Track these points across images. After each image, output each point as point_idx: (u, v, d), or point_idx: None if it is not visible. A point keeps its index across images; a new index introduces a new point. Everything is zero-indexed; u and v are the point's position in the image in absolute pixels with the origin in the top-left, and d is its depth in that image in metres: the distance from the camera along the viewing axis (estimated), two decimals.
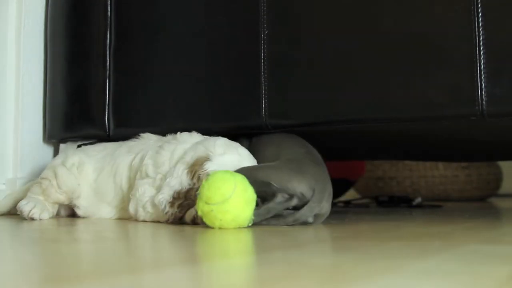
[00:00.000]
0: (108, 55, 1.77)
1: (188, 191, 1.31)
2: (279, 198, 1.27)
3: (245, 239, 1.04)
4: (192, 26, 1.64)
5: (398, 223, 1.35)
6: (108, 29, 1.78)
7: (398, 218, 1.43)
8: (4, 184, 1.80)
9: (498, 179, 3.43)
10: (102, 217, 1.52)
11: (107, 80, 1.76)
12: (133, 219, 1.44)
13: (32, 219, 1.46)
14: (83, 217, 1.54)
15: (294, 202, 1.26)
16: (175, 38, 1.66)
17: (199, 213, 1.17)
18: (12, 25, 1.88)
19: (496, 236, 1.09)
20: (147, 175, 1.42)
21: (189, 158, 1.36)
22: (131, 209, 1.41)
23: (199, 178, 1.31)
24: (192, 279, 0.62)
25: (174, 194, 1.32)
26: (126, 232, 1.20)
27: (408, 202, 2.34)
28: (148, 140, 1.54)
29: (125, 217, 1.49)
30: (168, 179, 1.35)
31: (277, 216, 1.27)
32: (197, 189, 1.26)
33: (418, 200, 2.37)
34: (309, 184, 1.27)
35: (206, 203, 1.15)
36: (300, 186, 1.26)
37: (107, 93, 1.76)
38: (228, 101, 1.56)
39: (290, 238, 1.04)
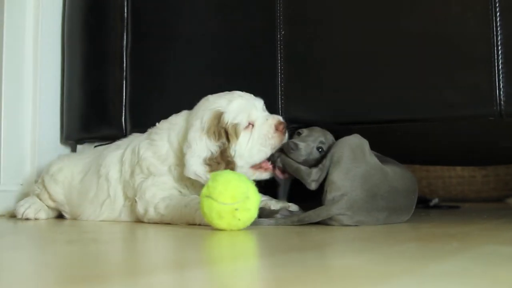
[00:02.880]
0: (124, 56, 1.78)
1: (222, 152, 1.33)
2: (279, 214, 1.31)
3: (261, 240, 1.04)
4: (208, 27, 1.64)
5: (416, 224, 1.34)
6: (125, 30, 1.78)
7: (415, 219, 1.42)
8: (21, 184, 1.81)
9: None
10: (89, 219, 1.50)
11: (124, 81, 1.77)
12: (133, 220, 1.43)
13: (27, 218, 1.53)
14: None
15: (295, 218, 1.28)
16: (191, 39, 1.66)
17: (213, 214, 1.12)
18: (29, 26, 1.89)
19: None
20: (148, 170, 1.41)
21: (199, 124, 1.36)
22: (141, 209, 1.39)
23: (226, 134, 1.34)
24: (207, 281, 0.62)
25: (205, 161, 1.33)
26: (137, 234, 1.21)
27: (425, 203, 2.33)
28: (136, 137, 1.54)
29: (111, 218, 1.47)
30: (188, 155, 1.34)
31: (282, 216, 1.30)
32: (227, 148, 1.33)
33: (436, 200, 2.36)
34: (344, 187, 1.26)
35: (223, 203, 1.11)
36: (338, 178, 1.27)
37: (124, 93, 1.77)
38: None
39: (307, 239, 1.04)
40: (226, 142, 1.34)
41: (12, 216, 1.62)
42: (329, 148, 1.34)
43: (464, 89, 1.31)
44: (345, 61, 1.44)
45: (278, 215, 1.30)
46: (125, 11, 1.79)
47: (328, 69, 1.46)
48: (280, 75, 1.50)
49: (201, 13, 1.66)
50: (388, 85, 1.39)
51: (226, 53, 1.60)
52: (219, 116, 1.36)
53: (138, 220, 1.41)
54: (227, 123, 1.35)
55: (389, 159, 1.42)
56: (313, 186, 1.31)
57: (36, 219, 1.53)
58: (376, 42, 1.41)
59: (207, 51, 1.64)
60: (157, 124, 1.49)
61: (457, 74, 1.32)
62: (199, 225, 1.26)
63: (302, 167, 1.32)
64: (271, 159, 1.38)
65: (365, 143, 1.33)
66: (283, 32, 1.51)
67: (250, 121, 1.37)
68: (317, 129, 1.39)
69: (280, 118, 1.40)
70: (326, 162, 1.30)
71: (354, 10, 1.44)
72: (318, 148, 1.35)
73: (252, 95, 1.42)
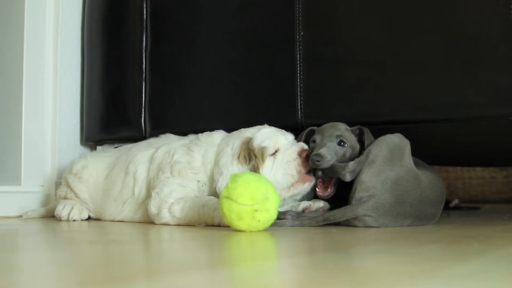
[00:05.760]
0: (144, 58, 1.79)
1: None
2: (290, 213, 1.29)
3: (282, 241, 1.04)
4: (227, 29, 1.64)
5: (436, 225, 1.33)
6: (144, 32, 1.79)
7: (436, 220, 1.41)
8: (42, 186, 1.83)
9: None
10: (110, 218, 1.52)
11: (143, 83, 1.78)
12: (149, 220, 1.41)
13: (74, 220, 1.53)
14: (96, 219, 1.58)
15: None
16: (211, 41, 1.66)
17: (232, 215, 1.12)
18: (49, 29, 1.91)
19: None
20: (179, 174, 1.40)
21: (230, 150, 1.37)
22: (153, 208, 1.37)
23: (255, 156, 1.34)
24: (229, 281, 0.62)
25: None
26: (157, 235, 1.21)
27: (446, 204, 2.31)
28: (169, 138, 1.54)
29: (129, 216, 1.48)
30: (220, 182, 1.34)
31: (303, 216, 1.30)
32: (257, 170, 1.32)
33: (456, 202, 2.34)
34: (373, 188, 1.25)
35: (243, 204, 1.11)
36: (369, 179, 1.25)
37: (143, 95, 1.77)
38: (264, 102, 1.56)
39: (328, 240, 1.04)
40: (256, 164, 1.34)
41: (51, 216, 1.62)
42: (368, 144, 1.33)
43: (485, 88, 1.30)
44: (365, 61, 1.44)
45: (288, 216, 1.28)
46: (145, 12, 1.80)
47: (347, 69, 1.46)
48: (299, 75, 1.50)
49: (220, 15, 1.66)
50: (409, 86, 1.38)
51: (245, 54, 1.60)
52: (248, 142, 1.37)
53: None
54: (255, 146, 1.35)
55: (425, 164, 1.40)
56: (347, 177, 1.28)
57: (81, 219, 1.55)
58: (396, 42, 1.40)
59: (226, 52, 1.64)
60: (199, 135, 1.47)
61: (478, 73, 1.31)
62: (218, 225, 1.26)
63: (336, 163, 1.31)
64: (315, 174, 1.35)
65: (406, 145, 1.31)
66: (302, 33, 1.51)
67: (276, 148, 1.36)
68: (326, 126, 1.37)
69: (304, 145, 1.37)
70: (362, 157, 1.29)
71: (374, 11, 1.43)
72: (338, 143, 1.33)
73: (282, 130, 1.42)
